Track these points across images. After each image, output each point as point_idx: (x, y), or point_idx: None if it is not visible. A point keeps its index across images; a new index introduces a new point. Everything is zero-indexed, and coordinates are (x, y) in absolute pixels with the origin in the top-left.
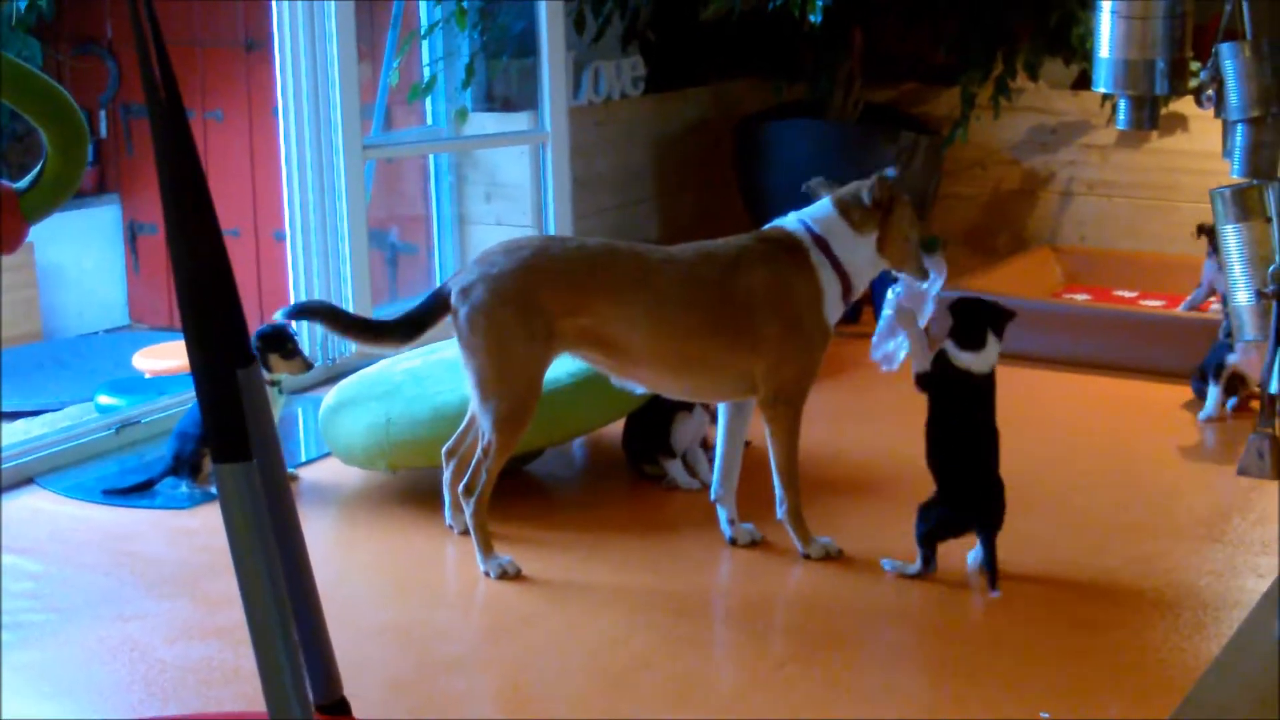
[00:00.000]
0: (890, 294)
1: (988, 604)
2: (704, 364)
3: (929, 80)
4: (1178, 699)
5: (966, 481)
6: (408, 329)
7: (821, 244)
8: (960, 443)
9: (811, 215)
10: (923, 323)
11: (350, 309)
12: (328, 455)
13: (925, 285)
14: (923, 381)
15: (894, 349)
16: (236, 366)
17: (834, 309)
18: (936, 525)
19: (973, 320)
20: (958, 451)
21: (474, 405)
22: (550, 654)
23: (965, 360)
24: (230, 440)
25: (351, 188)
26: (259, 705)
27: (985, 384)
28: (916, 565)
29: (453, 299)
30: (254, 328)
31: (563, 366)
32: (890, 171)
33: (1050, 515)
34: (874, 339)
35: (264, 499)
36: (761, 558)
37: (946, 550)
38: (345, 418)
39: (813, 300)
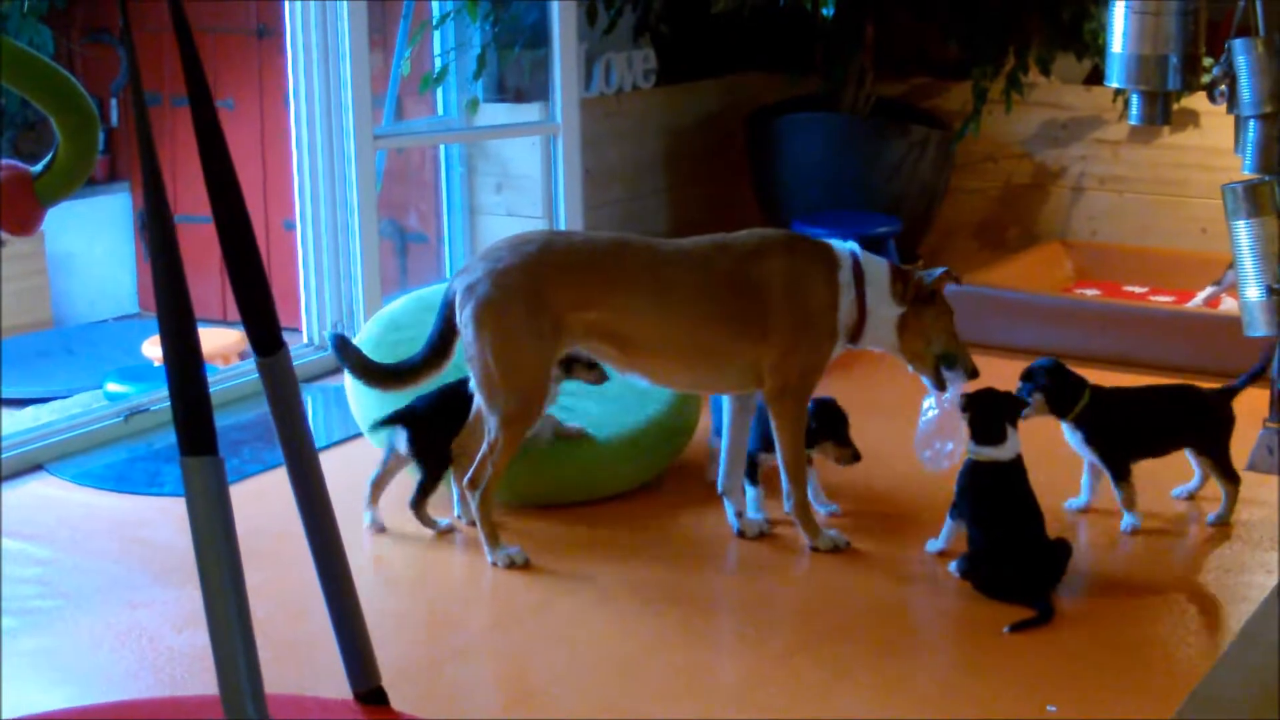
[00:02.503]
0: (925, 402)
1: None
2: (713, 353)
3: (941, 74)
4: (1185, 694)
5: (1017, 550)
6: (435, 354)
7: (858, 275)
8: (1005, 520)
9: (867, 254)
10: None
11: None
12: (336, 444)
13: (946, 397)
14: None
15: (939, 449)
16: (263, 354)
17: (842, 337)
18: (989, 582)
19: (989, 416)
20: (1003, 527)
21: (479, 402)
22: (558, 643)
23: (989, 453)
24: (196, 434)
25: (362, 177)
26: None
27: (1015, 465)
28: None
29: (458, 296)
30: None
31: (605, 426)
32: (958, 277)
33: (1058, 510)
34: (917, 439)
35: (229, 494)
36: (769, 550)
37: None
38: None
39: (828, 303)
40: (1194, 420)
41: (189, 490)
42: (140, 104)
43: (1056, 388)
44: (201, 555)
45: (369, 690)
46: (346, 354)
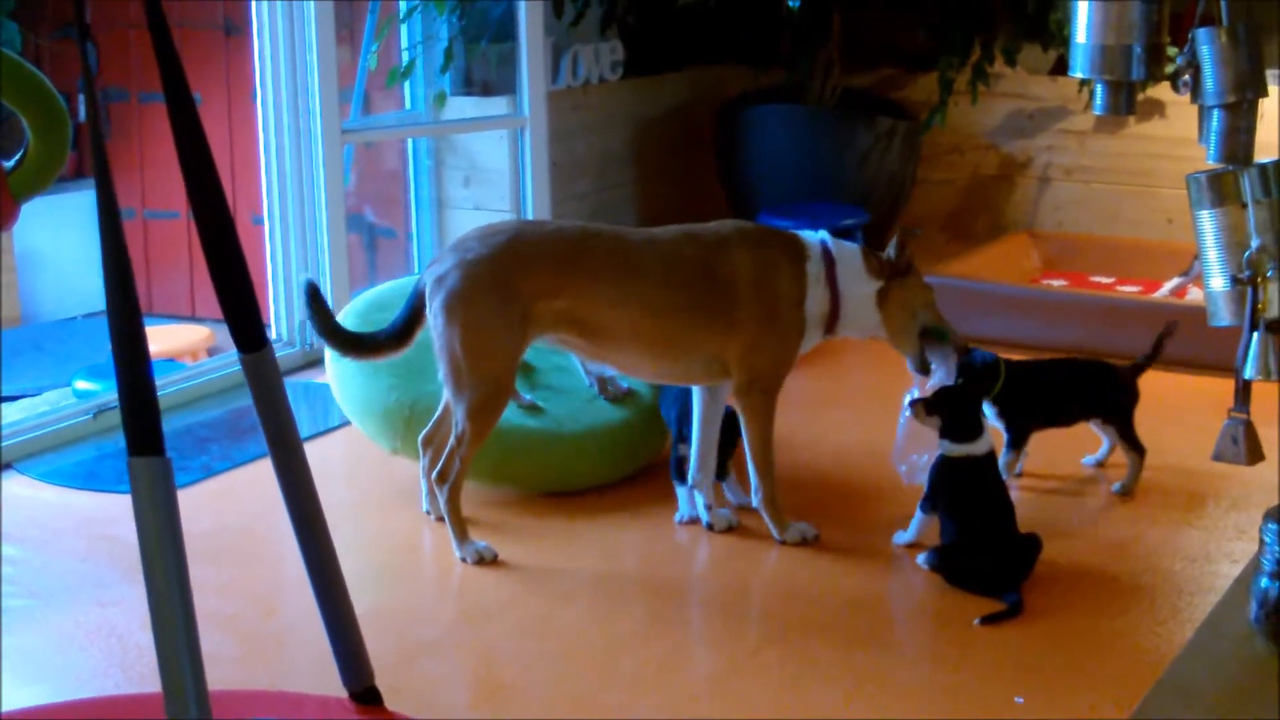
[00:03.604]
0: (907, 398)
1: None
2: (678, 343)
3: (907, 66)
4: (1151, 683)
5: (989, 543)
6: (397, 337)
7: (829, 262)
8: (981, 514)
9: (836, 240)
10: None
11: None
12: (305, 440)
13: (931, 383)
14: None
15: (916, 461)
16: (246, 351)
17: (814, 330)
18: (960, 575)
19: (961, 411)
20: (980, 519)
21: (448, 393)
22: (527, 638)
23: (963, 449)
24: (143, 433)
25: (330, 172)
26: (238, 688)
27: (988, 459)
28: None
29: (428, 288)
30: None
31: (581, 420)
32: (917, 230)
33: (1025, 501)
34: (895, 450)
35: (175, 494)
36: (738, 543)
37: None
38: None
39: (794, 298)
40: (1102, 393)
41: (135, 490)
42: (92, 99)
43: (969, 377)
44: (147, 556)
45: (363, 690)
46: (316, 308)
